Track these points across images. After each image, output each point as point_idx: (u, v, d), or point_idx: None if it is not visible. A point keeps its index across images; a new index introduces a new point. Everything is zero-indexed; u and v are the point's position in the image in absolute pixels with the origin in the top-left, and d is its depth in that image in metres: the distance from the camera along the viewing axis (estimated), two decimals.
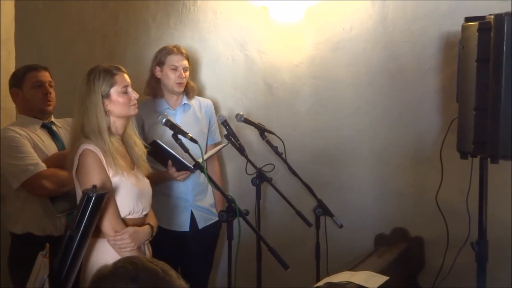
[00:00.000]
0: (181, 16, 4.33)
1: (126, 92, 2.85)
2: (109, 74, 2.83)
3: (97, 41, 4.54)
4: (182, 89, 3.79)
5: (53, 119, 3.55)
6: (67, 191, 3.24)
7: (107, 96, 2.81)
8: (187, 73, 3.79)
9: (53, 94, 3.52)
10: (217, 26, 4.27)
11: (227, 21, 4.23)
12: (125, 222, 2.83)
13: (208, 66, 4.28)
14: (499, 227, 3.55)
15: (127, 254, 2.72)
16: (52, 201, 3.33)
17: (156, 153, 3.41)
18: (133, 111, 2.89)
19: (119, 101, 2.83)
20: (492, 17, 2.95)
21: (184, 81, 3.77)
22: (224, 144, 3.77)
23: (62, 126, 3.56)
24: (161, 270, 1.68)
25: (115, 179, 2.78)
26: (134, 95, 2.88)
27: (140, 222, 2.91)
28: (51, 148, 3.41)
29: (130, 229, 2.80)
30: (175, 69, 3.73)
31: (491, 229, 3.21)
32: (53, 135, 3.49)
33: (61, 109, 3.63)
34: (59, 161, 3.24)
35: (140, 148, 2.97)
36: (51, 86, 3.52)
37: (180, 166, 3.49)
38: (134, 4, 4.43)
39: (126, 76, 2.88)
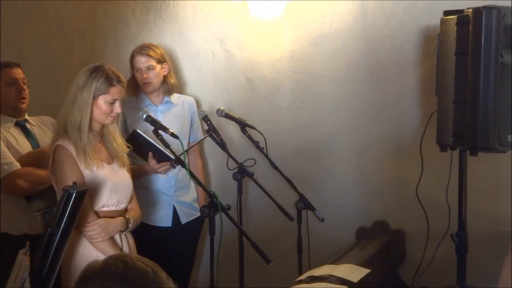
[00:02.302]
0: (161, 11, 4.31)
1: (112, 103, 2.91)
2: (109, 82, 2.89)
3: (76, 37, 4.50)
4: (149, 89, 3.77)
5: (27, 117, 3.47)
6: (43, 189, 3.20)
7: (95, 98, 2.87)
8: (155, 72, 3.75)
9: (27, 92, 3.44)
10: (197, 22, 4.25)
11: (207, 16, 4.22)
12: (98, 215, 2.89)
13: (188, 61, 4.26)
14: (479, 218, 3.58)
15: (100, 245, 2.86)
16: (27, 200, 3.27)
17: (137, 144, 3.39)
18: (109, 121, 2.95)
19: (101, 108, 2.90)
20: (470, 10, 2.99)
21: (149, 81, 3.74)
22: (204, 136, 3.75)
23: (36, 124, 3.48)
24: (152, 271, 1.66)
25: (87, 173, 2.85)
26: (117, 110, 2.93)
27: (117, 215, 2.97)
28: (25, 146, 3.34)
29: (101, 220, 2.87)
30: (138, 70, 3.75)
31: (470, 220, 3.25)
32: (27, 133, 3.41)
33: (39, 106, 3.60)
34: (34, 160, 3.20)
35: (119, 143, 3.01)
36: (24, 83, 3.44)
37: (161, 157, 3.46)
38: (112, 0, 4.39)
39: (122, 90, 2.95)
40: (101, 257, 2.83)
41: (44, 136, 3.41)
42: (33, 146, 3.38)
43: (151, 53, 3.75)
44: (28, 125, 3.44)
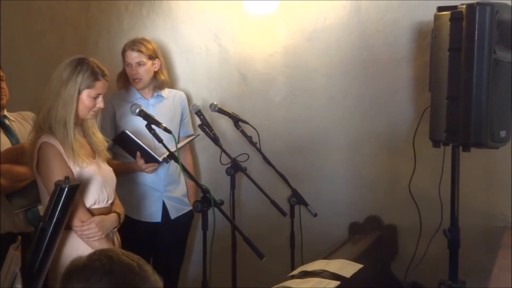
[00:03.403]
0: (154, 5, 4.29)
1: (95, 98, 2.85)
2: (94, 76, 2.82)
3: (68, 31, 4.48)
4: (139, 85, 3.75)
5: (6, 113, 3.38)
6: (23, 186, 3.16)
7: (80, 92, 2.80)
8: (145, 67, 3.72)
9: (5, 88, 3.35)
10: (190, 16, 4.23)
11: (200, 10, 4.20)
12: (91, 212, 2.83)
13: (182, 56, 4.25)
14: (471, 214, 3.60)
15: (96, 244, 2.77)
16: (8, 198, 3.18)
17: (125, 144, 3.40)
18: (90, 116, 2.89)
19: (84, 103, 2.83)
20: (464, 6, 2.98)
21: (139, 77, 3.72)
22: (197, 134, 3.76)
23: (16, 119, 3.39)
24: (137, 265, 1.66)
25: (76, 170, 2.78)
26: (100, 105, 2.87)
27: (107, 211, 2.91)
28: (4, 143, 3.25)
29: (97, 218, 2.81)
30: (128, 65, 3.73)
31: (463, 216, 3.26)
32: (6, 129, 3.32)
33: (31, 101, 3.56)
34: (13, 156, 3.12)
35: (99, 138, 2.96)
36: (2, 80, 3.35)
37: (149, 158, 3.47)
38: None
39: (106, 84, 2.89)
40: None
41: (25, 132, 3.31)
42: (13, 142, 3.29)
43: (143, 48, 3.72)
44: (7, 121, 3.34)
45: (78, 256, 1.72)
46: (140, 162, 3.49)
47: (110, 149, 3.07)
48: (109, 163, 3.04)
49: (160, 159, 3.42)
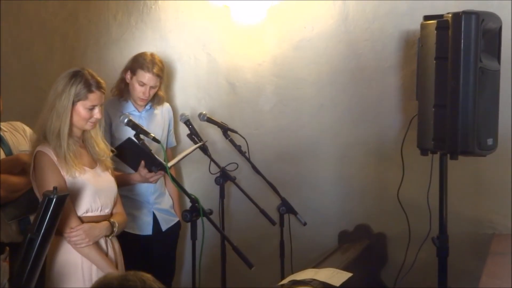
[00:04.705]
0: (142, 15, 4.29)
1: (91, 109, 2.88)
2: (88, 88, 2.85)
3: (56, 40, 4.47)
4: (143, 104, 3.74)
5: None
6: (17, 197, 3.15)
7: (73, 104, 2.84)
8: (155, 90, 3.71)
9: None
10: (179, 26, 4.24)
11: (189, 20, 4.21)
12: (83, 220, 2.86)
13: (170, 65, 4.25)
14: (459, 222, 3.62)
15: (85, 250, 2.82)
16: (1, 208, 3.15)
17: (128, 151, 3.33)
18: (88, 127, 2.92)
19: (80, 114, 2.87)
20: (450, 15, 3.01)
21: (148, 98, 3.71)
22: (205, 140, 3.68)
23: (8, 130, 3.34)
24: None
25: (69, 179, 2.82)
26: (97, 116, 2.90)
27: (101, 220, 2.93)
28: None
29: (86, 225, 2.84)
30: (142, 85, 3.67)
31: (451, 224, 3.27)
32: (0, 140, 3.27)
33: (19, 110, 3.57)
34: (8, 167, 3.11)
35: (101, 148, 2.98)
36: None
37: (156, 165, 3.32)
38: (94, 3, 4.37)
39: (102, 96, 2.91)
40: (85, 263, 2.83)
41: (17, 143, 3.30)
42: (6, 153, 3.25)
43: (161, 74, 3.69)
44: (0, 132, 3.34)
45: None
46: (144, 171, 3.39)
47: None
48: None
49: (168, 165, 3.34)
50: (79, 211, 2.86)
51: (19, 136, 3.34)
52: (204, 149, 3.60)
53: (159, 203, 3.82)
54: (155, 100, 3.80)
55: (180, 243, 4.05)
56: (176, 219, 3.88)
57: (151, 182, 3.51)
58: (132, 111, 3.73)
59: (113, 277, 1.69)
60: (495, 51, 3.13)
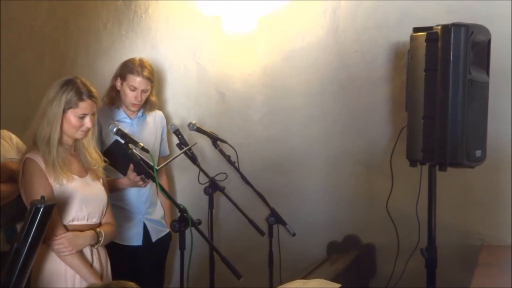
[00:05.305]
0: (133, 24, 4.29)
1: (82, 118, 2.88)
2: (78, 96, 2.85)
3: (46, 48, 4.45)
4: (136, 109, 3.72)
5: None
6: (3, 205, 3.11)
7: (64, 111, 2.85)
8: (147, 94, 3.70)
9: None
10: (169, 35, 4.24)
11: (179, 29, 4.22)
12: (68, 228, 2.85)
13: (160, 74, 4.25)
14: (448, 233, 3.62)
15: (68, 259, 2.82)
16: None
17: (117, 154, 3.31)
18: (79, 135, 2.92)
19: (71, 122, 2.87)
20: (439, 27, 3.03)
21: (140, 103, 3.70)
22: (187, 147, 3.67)
23: None
24: None
25: (56, 186, 2.82)
26: (88, 125, 2.90)
27: (88, 229, 2.92)
28: None
29: (69, 233, 2.83)
30: (133, 90, 3.65)
31: (440, 235, 3.28)
32: None
33: (9, 118, 3.54)
34: None
35: (94, 157, 2.97)
36: None
37: (143, 169, 3.30)
38: (84, 12, 4.36)
39: (93, 105, 2.90)
40: (69, 272, 2.81)
41: (3, 150, 3.28)
42: None
43: (152, 77, 3.68)
44: None
45: (93, 283, 1.70)
46: (133, 175, 3.37)
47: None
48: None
49: (157, 167, 3.31)
50: (65, 219, 2.85)
51: (6, 145, 3.31)
52: (193, 159, 3.59)
53: (150, 213, 3.79)
54: (147, 106, 3.78)
55: (172, 253, 4.03)
56: (166, 230, 3.85)
57: (140, 186, 3.48)
58: (124, 118, 3.72)
59: (95, 285, 1.68)
60: (484, 63, 3.16)
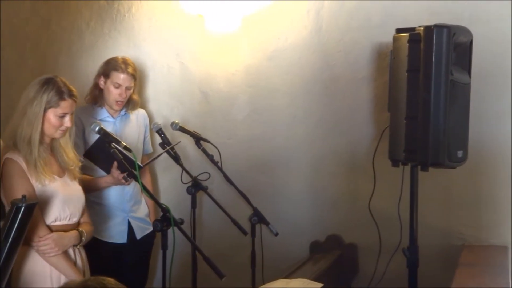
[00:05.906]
0: (116, 23, 4.27)
1: (62, 117, 2.85)
2: (59, 95, 2.83)
3: (28, 47, 4.41)
4: (120, 107, 3.72)
5: None
6: None
7: (45, 111, 2.82)
8: (130, 91, 3.70)
9: None
10: (152, 34, 4.23)
11: (162, 29, 4.20)
12: (51, 229, 2.83)
13: (143, 73, 4.23)
14: (430, 233, 3.65)
15: (53, 260, 2.80)
16: None
17: (99, 155, 3.29)
18: (58, 135, 2.90)
19: (50, 121, 2.84)
20: (422, 28, 3.04)
21: (125, 100, 3.70)
22: (170, 146, 3.67)
23: None
24: None
25: (38, 186, 2.80)
26: (67, 124, 2.88)
27: (70, 229, 2.91)
28: None
29: (54, 234, 2.81)
30: (117, 87, 3.65)
31: (421, 235, 3.30)
32: None
33: None
34: None
35: (71, 157, 2.96)
36: None
37: (126, 167, 3.25)
38: (67, 10, 4.33)
39: (73, 104, 2.88)
40: (54, 272, 2.79)
41: None
42: None
43: (135, 74, 3.69)
44: None
45: (71, 280, 1.69)
46: (116, 173, 3.37)
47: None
48: (80, 179, 3.04)
49: (141, 165, 3.28)
50: (47, 219, 2.83)
51: None
52: (176, 158, 3.58)
53: (134, 211, 3.79)
54: (129, 104, 3.78)
55: (154, 252, 4.01)
56: (151, 228, 3.81)
57: (124, 184, 3.47)
58: (106, 117, 3.71)
59: (73, 284, 1.67)
60: (466, 64, 3.18)
